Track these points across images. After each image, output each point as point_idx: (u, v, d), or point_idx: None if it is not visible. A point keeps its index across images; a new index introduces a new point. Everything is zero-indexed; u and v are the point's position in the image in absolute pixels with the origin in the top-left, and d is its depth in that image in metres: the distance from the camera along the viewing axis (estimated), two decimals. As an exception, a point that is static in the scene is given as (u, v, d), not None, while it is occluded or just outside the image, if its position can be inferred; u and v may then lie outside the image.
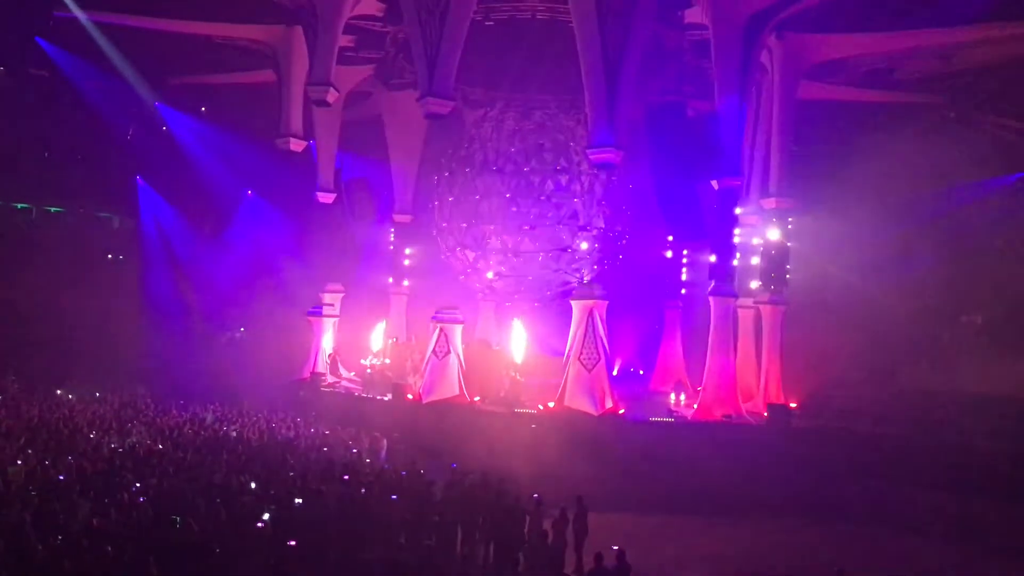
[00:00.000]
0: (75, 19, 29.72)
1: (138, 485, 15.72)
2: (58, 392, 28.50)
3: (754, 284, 29.13)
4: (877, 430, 24.84)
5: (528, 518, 16.53)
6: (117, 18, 30.20)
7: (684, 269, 34.38)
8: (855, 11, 26.58)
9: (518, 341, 30.06)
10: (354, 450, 22.56)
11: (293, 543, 12.11)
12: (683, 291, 34.03)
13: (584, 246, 29.70)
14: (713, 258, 28.06)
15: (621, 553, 13.51)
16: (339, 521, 14.73)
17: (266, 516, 14.00)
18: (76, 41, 32.20)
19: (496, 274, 30.76)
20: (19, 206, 39.94)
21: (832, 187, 28.69)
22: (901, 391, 27.64)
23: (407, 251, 35.88)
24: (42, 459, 17.42)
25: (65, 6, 29.03)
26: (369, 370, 31.60)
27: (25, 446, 18.84)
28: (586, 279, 28.58)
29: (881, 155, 28.25)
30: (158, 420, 24.29)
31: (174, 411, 26.03)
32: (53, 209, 40.63)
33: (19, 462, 16.90)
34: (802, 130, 28.77)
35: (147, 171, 39.71)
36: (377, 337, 33.98)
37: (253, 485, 16.55)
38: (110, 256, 41.37)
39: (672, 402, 29.25)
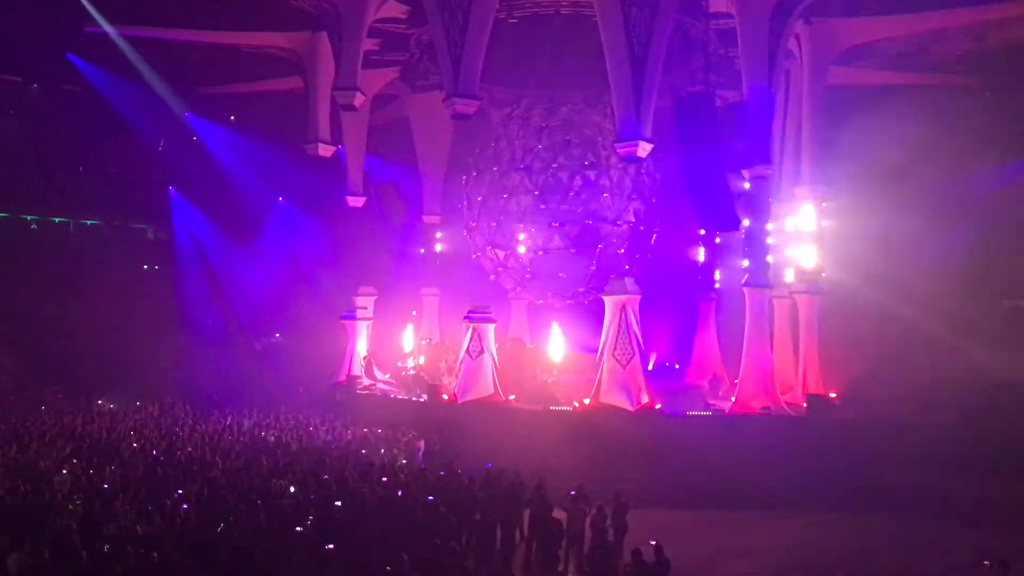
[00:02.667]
0: (105, 34, 30.17)
1: (180, 492, 15.92)
2: (99, 402, 28.93)
3: (789, 274, 28.79)
4: (919, 418, 24.39)
5: (565, 514, 16.54)
6: (146, 31, 30.61)
7: (717, 261, 33.98)
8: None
9: (554, 340, 29.97)
10: (393, 451, 22.65)
11: (332, 547, 12.13)
12: (717, 283, 33.66)
13: (615, 241, 29.52)
14: (745, 252, 27.79)
15: (659, 548, 13.40)
16: (378, 523, 14.77)
17: (308, 520, 14.10)
18: (107, 56, 32.70)
19: (527, 272, 30.65)
20: (56, 220, 40.64)
21: (866, 172, 28.21)
22: (943, 378, 27.10)
23: (437, 252, 36.04)
24: (86, 468, 17.70)
25: (95, 22, 29.46)
26: (412, 371, 31.62)
27: (70, 456, 19.18)
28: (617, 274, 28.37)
29: (916, 137, 27.71)
30: (198, 427, 24.59)
31: (213, 418, 26.31)
32: (89, 222, 41.29)
33: (64, 471, 17.17)
34: (833, 115, 28.32)
35: (179, 182, 40.25)
36: (408, 338, 34.07)
37: (292, 489, 16.69)
38: (145, 267, 41.96)
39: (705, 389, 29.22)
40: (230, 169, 38.91)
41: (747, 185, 26.98)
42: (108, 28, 29.88)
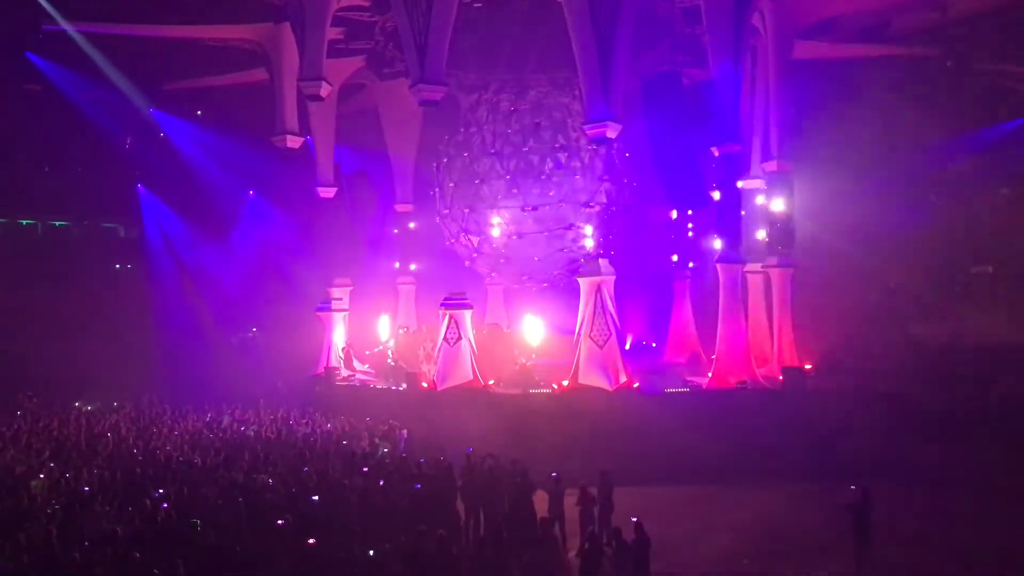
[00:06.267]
0: (64, 31, 29.68)
1: (160, 491, 15.85)
2: (75, 404, 28.67)
3: (761, 243, 29.01)
4: (893, 386, 24.76)
5: (548, 497, 16.66)
6: (105, 27, 30.14)
7: (690, 238, 34.11)
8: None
9: (531, 325, 30.02)
10: (375, 440, 22.67)
11: (313, 541, 12.14)
12: (690, 260, 33.81)
13: (588, 226, 29.54)
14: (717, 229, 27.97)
15: (639, 525, 13.50)
16: (360, 513, 14.81)
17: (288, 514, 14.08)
18: (67, 54, 32.14)
19: (501, 256, 30.63)
20: (24, 222, 40.09)
21: (835, 146, 28.50)
22: (916, 345, 27.54)
23: (411, 240, 35.95)
24: (64, 471, 17.56)
25: (53, 19, 28.96)
26: (392, 361, 31.47)
27: (47, 460, 19.02)
28: (592, 256, 28.41)
29: (883, 110, 28.05)
30: (176, 426, 24.46)
31: (191, 416, 26.19)
32: (58, 223, 40.78)
33: (41, 476, 17.03)
34: (800, 90, 28.51)
35: (148, 179, 39.80)
36: (383, 328, 33.95)
37: (273, 483, 16.68)
38: (118, 266, 41.54)
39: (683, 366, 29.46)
40: (199, 164, 38.49)
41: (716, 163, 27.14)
42: (66, 25, 29.38)
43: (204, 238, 39.66)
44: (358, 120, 35.45)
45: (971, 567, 15.72)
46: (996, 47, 29.61)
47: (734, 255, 27.15)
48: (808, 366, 27.40)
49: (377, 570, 12.18)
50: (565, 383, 25.66)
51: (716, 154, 26.55)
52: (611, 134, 24.73)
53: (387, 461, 19.71)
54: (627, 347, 29.92)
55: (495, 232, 30.09)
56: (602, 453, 20.37)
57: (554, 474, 17.19)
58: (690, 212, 33.78)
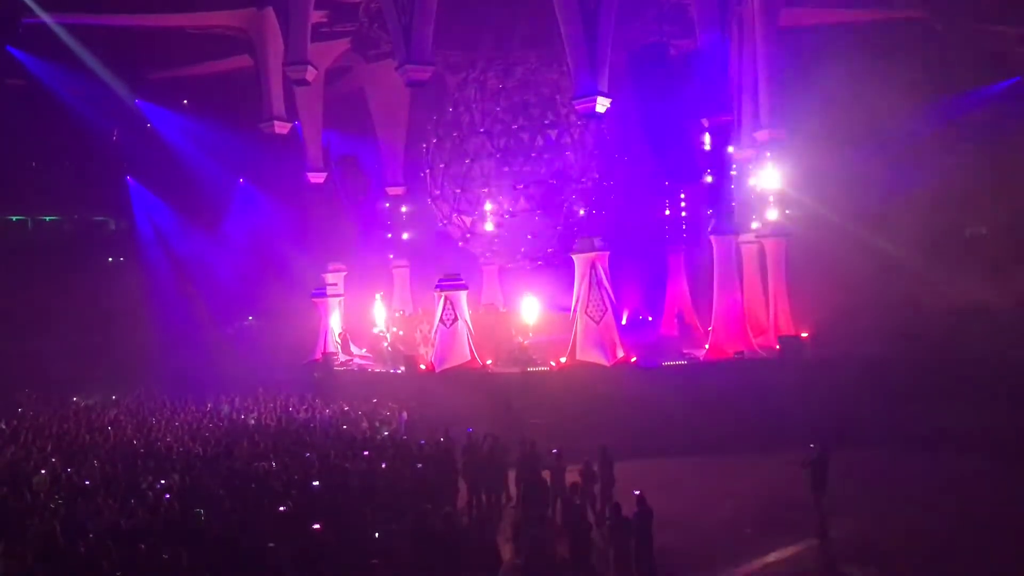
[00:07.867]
0: (44, 24, 29.34)
1: (162, 482, 15.86)
2: (74, 399, 28.64)
3: (754, 220, 28.99)
4: (889, 351, 24.81)
5: (550, 473, 16.73)
6: (86, 18, 29.81)
7: (683, 211, 34.01)
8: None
9: (527, 303, 30.02)
10: (376, 423, 22.71)
11: (318, 526, 12.16)
12: (684, 233, 33.72)
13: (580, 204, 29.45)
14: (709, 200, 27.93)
15: (641, 498, 13.56)
16: (364, 496, 14.84)
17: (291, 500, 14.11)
18: (49, 47, 31.79)
19: (495, 236, 30.54)
20: (14, 218, 39.89)
21: (826, 112, 28.29)
22: (913, 310, 27.53)
23: (404, 223, 35.82)
24: (65, 466, 17.56)
25: (32, 12, 28.61)
26: (389, 346, 31.42)
27: (49, 455, 19.01)
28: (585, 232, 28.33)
29: (872, 75, 27.86)
30: (176, 417, 24.46)
31: (191, 406, 26.18)
32: (48, 218, 40.60)
33: (43, 471, 17.02)
34: (789, 57, 28.31)
35: (136, 170, 39.55)
36: (378, 311, 33.96)
37: (274, 465, 16.73)
38: (110, 259, 41.36)
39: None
40: (187, 154, 38.24)
41: (707, 135, 27.01)
42: (46, 17, 29.04)
43: (195, 228, 39.48)
44: (346, 103, 35.19)
45: (970, 527, 15.80)
46: (979, 6, 29.41)
47: (728, 226, 27.12)
48: (804, 334, 27.46)
49: (385, 551, 12.22)
50: (563, 360, 25.70)
51: (706, 125, 26.45)
52: (600, 108, 24.57)
53: (388, 444, 19.75)
54: (624, 322, 29.94)
55: (488, 227, 30.02)
56: (601, 428, 20.39)
57: (555, 450, 17.25)
58: (683, 195, 33.61)
